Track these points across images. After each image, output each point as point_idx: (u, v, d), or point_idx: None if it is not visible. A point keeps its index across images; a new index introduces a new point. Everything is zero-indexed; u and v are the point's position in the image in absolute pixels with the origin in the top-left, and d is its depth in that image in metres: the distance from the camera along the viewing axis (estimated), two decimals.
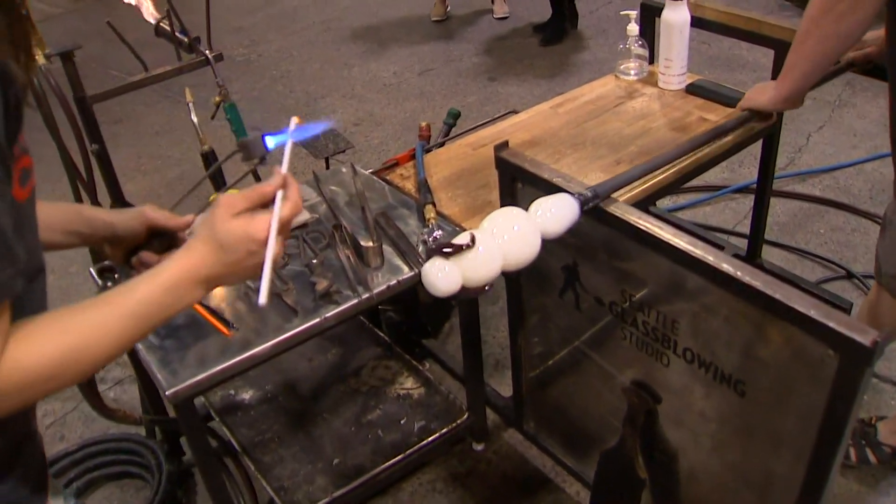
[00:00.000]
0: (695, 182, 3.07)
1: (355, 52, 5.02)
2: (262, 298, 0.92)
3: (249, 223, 0.92)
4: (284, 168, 0.99)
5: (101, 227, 1.19)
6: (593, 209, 1.37)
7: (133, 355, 1.70)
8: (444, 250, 1.18)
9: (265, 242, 0.93)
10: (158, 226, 1.23)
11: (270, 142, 1.07)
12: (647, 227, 1.31)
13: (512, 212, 1.29)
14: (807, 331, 1.12)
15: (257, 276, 0.93)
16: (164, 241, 1.24)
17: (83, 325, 0.86)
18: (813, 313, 1.09)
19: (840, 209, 3.07)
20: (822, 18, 1.52)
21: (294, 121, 1.06)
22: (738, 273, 1.18)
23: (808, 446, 1.21)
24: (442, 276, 1.19)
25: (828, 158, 3.39)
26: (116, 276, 1.48)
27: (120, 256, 1.24)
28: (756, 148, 2.25)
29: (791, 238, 2.93)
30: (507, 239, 1.25)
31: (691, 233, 1.38)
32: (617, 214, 1.36)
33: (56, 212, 1.14)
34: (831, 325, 1.07)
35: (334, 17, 5.62)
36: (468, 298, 1.26)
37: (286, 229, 0.97)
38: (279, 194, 0.96)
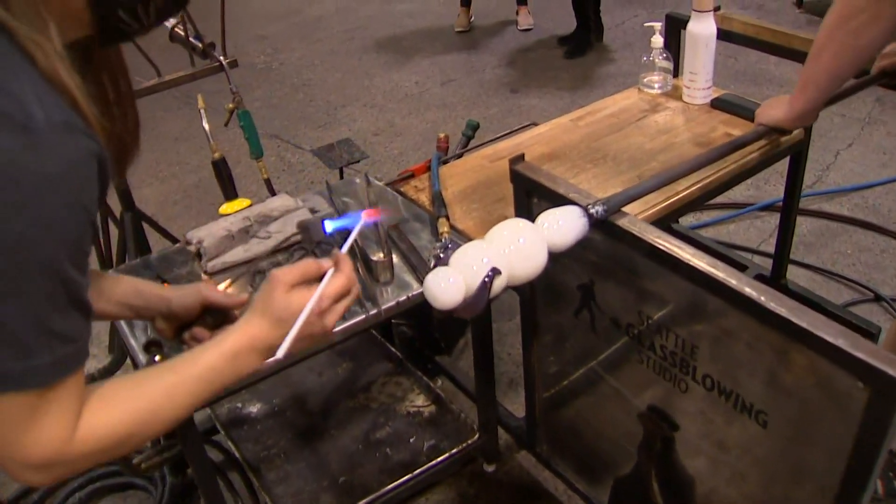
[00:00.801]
0: (720, 199, 3.00)
1: (378, 61, 5.00)
2: (280, 352, 0.98)
3: (306, 298, 0.99)
4: (345, 249, 1.07)
5: (155, 302, 1.22)
6: (607, 225, 1.32)
7: (136, 367, 1.66)
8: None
9: (321, 314, 1.01)
10: (214, 303, 1.24)
11: (329, 226, 1.16)
12: (664, 246, 1.25)
13: (518, 223, 1.24)
14: (834, 361, 1.05)
15: (315, 346, 1.02)
16: (218, 317, 1.25)
17: (152, 391, 0.91)
18: (840, 342, 1.03)
19: (868, 229, 2.98)
20: (838, 31, 1.47)
21: (364, 213, 1.14)
22: (762, 297, 1.12)
23: (834, 481, 1.14)
24: (445, 287, 1.15)
25: (856, 177, 3.30)
26: (165, 351, 1.46)
27: (171, 331, 1.25)
28: (782, 165, 2.18)
29: (817, 258, 2.84)
30: (512, 250, 1.20)
31: (712, 252, 1.32)
32: (633, 232, 1.30)
33: (113, 284, 1.19)
34: (860, 355, 1.01)
35: (358, 26, 5.61)
36: (469, 315, 1.22)
37: (347, 302, 1.05)
38: (329, 272, 1.03)
